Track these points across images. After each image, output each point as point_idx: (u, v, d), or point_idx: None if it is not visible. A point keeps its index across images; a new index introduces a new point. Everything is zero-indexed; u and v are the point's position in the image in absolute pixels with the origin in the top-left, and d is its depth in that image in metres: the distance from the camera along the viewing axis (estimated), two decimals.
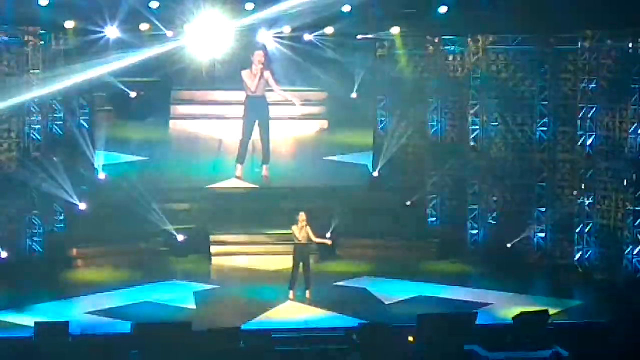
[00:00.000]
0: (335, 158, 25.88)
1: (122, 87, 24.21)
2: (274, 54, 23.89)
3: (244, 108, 24.09)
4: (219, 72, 24.86)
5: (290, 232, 19.96)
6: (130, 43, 22.57)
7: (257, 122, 23.99)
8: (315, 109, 27.40)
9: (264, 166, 24.16)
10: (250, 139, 24.10)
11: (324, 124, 27.44)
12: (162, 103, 27.12)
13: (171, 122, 27.18)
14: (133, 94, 24.51)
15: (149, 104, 26.38)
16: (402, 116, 24.11)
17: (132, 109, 25.73)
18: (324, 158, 25.78)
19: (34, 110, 21.82)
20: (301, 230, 19.74)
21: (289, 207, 21.01)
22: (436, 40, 23.41)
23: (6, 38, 21.44)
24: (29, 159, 21.77)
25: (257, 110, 23.98)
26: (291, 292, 19.84)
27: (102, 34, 21.98)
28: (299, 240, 19.77)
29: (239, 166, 24.15)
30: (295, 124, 27.00)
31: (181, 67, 25.29)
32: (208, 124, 26.81)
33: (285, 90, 24.45)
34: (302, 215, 19.79)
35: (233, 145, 24.69)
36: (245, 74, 23.67)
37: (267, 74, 23.69)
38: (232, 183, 24.09)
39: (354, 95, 25.72)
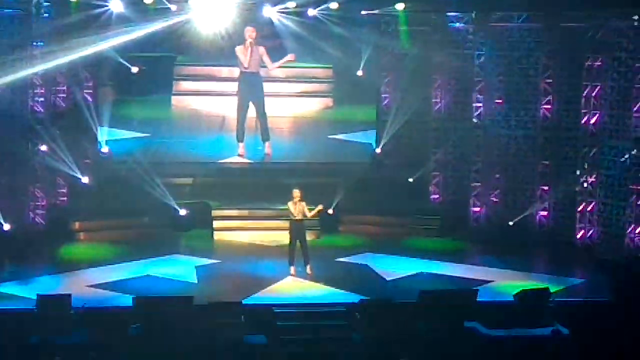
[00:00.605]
0: (340, 137, 25.62)
1: (124, 62, 24.00)
2: (279, 29, 23.76)
3: (238, 84, 23.76)
4: (223, 48, 24.42)
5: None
6: (133, 17, 22.52)
7: (251, 98, 23.69)
8: (320, 87, 27.06)
9: (266, 143, 23.90)
10: (246, 115, 23.77)
11: (329, 101, 27.09)
12: (165, 79, 26.77)
13: (174, 99, 26.73)
14: (135, 69, 24.12)
15: (151, 80, 25.96)
16: (405, 93, 24.06)
17: (134, 85, 25.12)
18: (329, 136, 25.60)
19: (37, 83, 21.81)
20: (296, 207, 19.73)
21: (292, 183, 20.96)
22: (441, 17, 23.29)
23: (10, 10, 21.35)
24: (32, 131, 21.75)
25: (250, 87, 23.62)
26: (292, 267, 19.87)
27: (106, 7, 21.93)
28: (295, 217, 19.77)
29: (240, 144, 23.90)
30: (300, 102, 26.70)
31: (185, 42, 25.16)
32: (211, 101, 26.26)
33: (281, 67, 24.20)
34: (296, 192, 19.78)
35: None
36: (238, 49, 23.29)
37: (261, 50, 23.34)
38: (234, 160, 24.03)
39: (360, 72, 25.41)
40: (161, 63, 26.18)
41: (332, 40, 24.26)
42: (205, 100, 26.47)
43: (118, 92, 24.83)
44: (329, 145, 25.14)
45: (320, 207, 20.00)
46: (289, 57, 23.21)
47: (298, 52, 24.49)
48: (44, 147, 21.88)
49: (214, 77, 26.66)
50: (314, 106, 26.81)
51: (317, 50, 24.37)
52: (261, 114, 23.79)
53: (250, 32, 23.08)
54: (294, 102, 26.51)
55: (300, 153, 24.64)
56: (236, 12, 22.64)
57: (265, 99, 24.05)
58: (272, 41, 23.88)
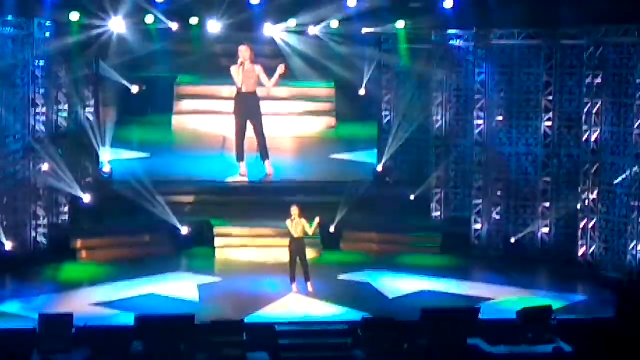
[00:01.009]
0: (342, 156, 25.57)
1: (124, 81, 24.00)
2: (280, 48, 23.79)
3: (234, 104, 23.32)
4: (223, 67, 23.89)
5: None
6: (134, 37, 22.59)
7: (248, 119, 23.22)
8: (322, 105, 26.98)
9: (266, 162, 23.58)
10: (244, 135, 23.33)
11: (331, 121, 26.97)
12: (165, 98, 26.74)
13: (174, 118, 26.72)
14: (134, 89, 24.04)
15: (151, 100, 26.03)
16: (406, 110, 24.11)
17: (134, 105, 25.19)
18: (331, 156, 25.56)
19: (38, 102, 21.84)
20: (294, 224, 19.71)
21: (293, 201, 20.94)
22: (441, 35, 23.36)
23: (12, 30, 21.42)
24: (33, 150, 21.78)
25: (246, 106, 23.10)
26: (293, 285, 19.84)
27: (105, 27, 21.99)
28: (293, 234, 19.74)
29: (240, 164, 23.61)
30: (302, 121, 26.68)
31: (184, 62, 25.23)
32: (212, 120, 26.25)
33: (282, 86, 24.08)
34: (294, 209, 19.75)
35: None
36: (232, 69, 22.76)
37: (257, 68, 22.77)
38: (236, 179, 23.97)
39: (362, 91, 25.31)
40: (161, 82, 26.21)
41: (334, 59, 24.35)
42: (206, 120, 26.44)
43: (118, 112, 24.81)
44: (331, 164, 25.13)
45: (317, 219, 19.87)
46: (280, 69, 22.66)
47: (300, 71, 24.50)
48: (45, 166, 21.89)
49: (214, 96, 26.65)
50: (316, 125, 26.82)
51: (319, 68, 24.37)
52: (259, 133, 23.43)
53: (243, 52, 22.59)
54: (296, 122, 26.52)
55: (302, 172, 24.63)
56: (236, 31, 22.68)
57: (266, 118, 23.89)
58: (274, 60, 23.82)
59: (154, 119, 26.28)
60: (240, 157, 23.57)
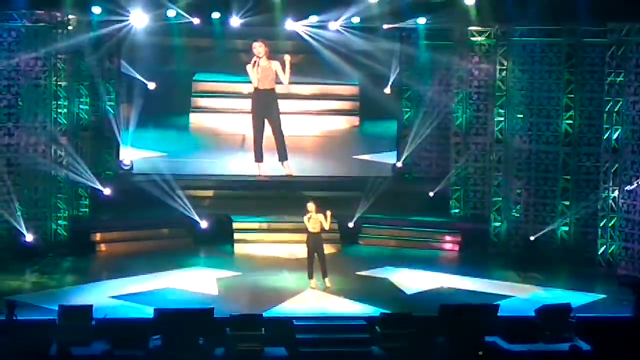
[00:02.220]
0: (365, 157, 25.08)
1: (141, 77, 23.83)
2: (305, 46, 23.53)
3: (251, 103, 22.89)
4: (243, 63, 23.14)
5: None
6: (155, 31, 22.60)
7: (265, 117, 22.75)
8: (346, 105, 26.39)
9: (284, 163, 23.08)
10: (262, 134, 22.86)
11: (355, 120, 26.46)
12: (183, 95, 26.21)
13: (192, 116, 25.79)
14: (152, 86, 23.55)
15: (168, 97, 25.34)
16: (427, 107, 24.09)
17: (151, 102, 24.08)
18: (353, 157, 25.19)
19: (60, 95, 21.96)
20: (311, 220, 19.72)
21: (313, 196, 20.95)
22: (463, 31, 23.31)
23: (35, 23, 21.52)
24: (55, 143, 21.90)
25: (263, 104, 22.60)
26: (312, 280, 19.87)
27: (127, 21, 22.05)
28: (310, 230, 19.76)
29: (259, 165, 23.15)
30: (325, 120, 26.11)
31: (203, 57, 24.96)
32: (231, 118, 25.31)
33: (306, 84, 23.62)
34: (310, 205, 19.75)
35: None
36: (248, 67, 22.29)
37: (275, 64, 22.24)
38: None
39: (387, 90, 24.71)
40: (179, 79, 25.76)
41: (358, 57, 23.96)
42: (225, 118, 25.79)
43: (135, 109, 24.13)
44: (354, 164, 24.81)
45: (329, 213, 19.74)
46: (287, 60, 22.15)
47: (323, 69, 24.06)
48: (66, 159, 22.00)
49: (234, 94, 26.20)
50: (339, 125, 26.15)
51: (343, 66, 24.00)
52: (277, 132, 22.94)
53: (258, 48, 22.14)
54: (318, 121, 25.94)
55: (322, 172, 24.36)
56: (257, 27, 22.59)
57: (287, 117, 23.55)
58: (296, 56, 23.68)
59: (171, 117, 25.87)
60: (258, 157, 23.10)
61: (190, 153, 24.57)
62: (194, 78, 26.09)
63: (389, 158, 24.89)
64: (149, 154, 24.43)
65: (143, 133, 24.12)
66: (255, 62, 22.11)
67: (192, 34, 23.34)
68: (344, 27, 22.99)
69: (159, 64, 23.68)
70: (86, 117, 22.98)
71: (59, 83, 21.89)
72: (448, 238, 23.34)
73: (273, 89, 22.70)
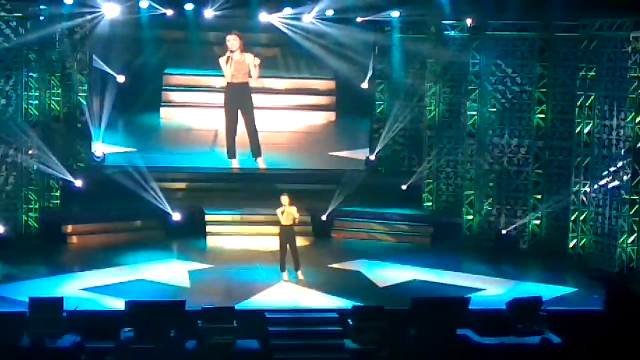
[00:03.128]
0: (342, 154, 24.97)
1: (110, 71, 23.42)
2: (279, 39, 23.32)
3: (224, 97, 22.12)
4: (217, 56, 22.18)
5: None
6: (126, 23, 22.45)
7: (238, 107, 21.99)
8: (322, 100, 26.06)
9: (258, 160, 22.47)
10: (235, 129, 22.14)
11: (331, 115, 26.04)
12: (153, 89, 25.52)
13: (162, 110, 25.64)
14: (121, 79, 23.19)
15: (139, 90, 24.80)
16: (400, 100, 24.12)
17: (120, 95, 23.78)
18: (330, 154, 25.04)
19: (32, 86, 21.80)
20: (284, 213, 19.72)
21: (286, 189, 20.94)
22: (436, 25, 23.33)
23: (6, 13, 21.36)
24: (26, 134, 21.74)
25: (236, 98, 21.84)
26: (284, 273, 19.86)
27: (99, 12, 21.90)
28: (283, 223, 19.75)
29: (232, 162, 22.55)
30: (301, 116, 25.85)
31: (175, 50, 24.65)
32: (203, 113, 25.16)
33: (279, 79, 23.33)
34: (284, 198, 19.76)
35: None
36: (221, 60, 21.52)
37: (248, 57, 21.46)
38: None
39: (365, 84, 24.59)
40: (149, 72, 25.32)
41: (335, 49, 23.78)
42: (197, 113, 25.48)
43: (106, 103, 23.78)
44: (328, 160, 24.68)
45: (297, 216, 19.77)
46: (257, 63, 21.45)
47: (299, 62, 23.76)
48: (37, 151, 21.85)
49: (206, 88, 25.69)
50: (315, 120, 25.96)
51: (319, 60, 23.72)
52: (251, 127, 22.24)
53: (232, 41, 21.37)
54: (294, 116, 25.70)
55: (297, 166, 24.27)
56: (231, 19, 22.48)
57: (262, 112, 23.17)
58: (270, 49, 23.52)
59: (141, 111, 25.44)
60: (231, 154, 22.51)
61: (161, 149, 24.30)
62: (164, 71, 25.80)
63: (365, 153, 24.84)
64: (119, 149, 24.24)
65: (113, 128, 23.89)
66: (228, 56, 21.48)
67: (164, 26, 23.21)
68: (318, 19, 22.92)
69: (130, 56, 23.46)
70: (57, 108, 22.84)
71: (30, 74, 21.71)
72: (420, 231, 23.36)
73: (247, 83, 22.05)
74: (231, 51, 21.46)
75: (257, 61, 21.43)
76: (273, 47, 24.30)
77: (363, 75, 24.42)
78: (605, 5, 20.70)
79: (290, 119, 25.46)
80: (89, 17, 21.96)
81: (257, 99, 22.67)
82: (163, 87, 25.78)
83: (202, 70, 25.02)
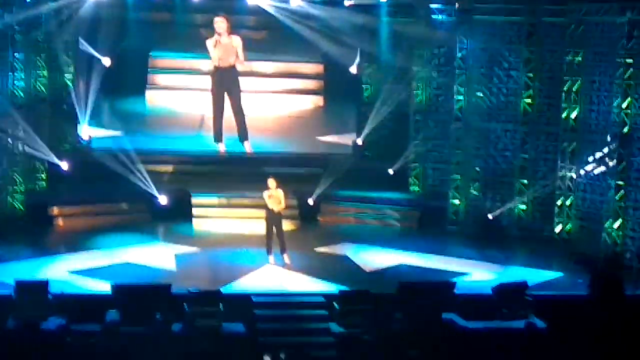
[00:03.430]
0: (329, 139, 24.73)
1: (96, 53, 23.07)
2: (267, 21, 23.08)
3: (211, 81, 21.69)
4: (203, 38, 21.52)
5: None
6: (111, 4, 22.29)
7: (225, 91, 21.51)
8: (310, 84, 25.73)
9: (245, 143, 22.06)
10: (222, 112, 21.65)
11: (319, 100, 25.75)
12: (139, 72, 25.03)
13: (148, 94, 25.10)
14: (106, 62, 22.63)
15: (124, 73, 24.27)
16: (387, 84, 24.07)
17: (106, 78, 23.20)
18: (317, 138, 24.82)
19: (17, 67, 21.67)
20: (271, 197, 19.69)
21: (273, 173, 20.91)
22: (424, 9, 23.29)
23: None
24: (11, 115, 21.64)
25: (223, 82, 21.41)
26: (270, 257, 19.87)
27: None
28: (269, 207, 19.73)
29: (219, 145, 22.10)
30: (288, 100, 25.48)
31: (161, 32, 24.28)
32: (190, 96, 24.72)
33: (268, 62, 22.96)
34: (271, 181, 19.74)
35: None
36: (208, 43, 21.01)
37: (236, 41, 20.98)
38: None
39: (353, 69, 24.22)
40: (135, 55, 24.97)
41: (323, 33, 23.60)
42: (183, 96, 25.13)
43: (91, 85, 23.28)
44: (315, 145, 24.55)
45: (282, 205, 19.79)
46: (239, 44, 20.94)
47: (287, 45, 23.40)
48: (23, 132, 21.75)
49: (192, 71, 25.37)
50: (303, 105, 25.65)
51: (307, 44, 23.49)
52: (238, 111, 21.79)
53: (219, 24, 20.91)
54: (281, 100, 25.36)
55: (283, 150, 24.16)
56: (218, 1, 22.30)
57: (249, 96, 22.65)
58: (258, 32, 23.33)
59: (127, 94, 25.20)
60: (218, 137, 22.13)
61: (146, 133, 24.11)
62: (150, 54, 25.46)
63: (353, 138, 24.75)
64: (104, 133, 24.10)
65: (98, 111, 23.69)
66: (216, 40, 21.02)
67: (150, 7, 23.05)
68: (306, 1, 22.75)
69: (116, 38, 23.23)
70: (43, 89, 22.72)
71: (15, 55, 21.58)
72: (407, 215, 23.38)
73: (234, 66, 21.57)
74: (219, 34, 21.27)
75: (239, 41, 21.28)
76: (261, 30, 24.09)
77: (352, 58, 24.27)
78: None
79: (278, 103, 25.23)
80: None
81: (244, 83, 22.52)
82: (149, 70, 25.48)
83: (189, 53, 24.76)
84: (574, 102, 21.83)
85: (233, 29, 21.51)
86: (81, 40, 22.97)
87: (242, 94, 22.09)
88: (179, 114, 25.00)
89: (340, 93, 25.19)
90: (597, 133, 21.55)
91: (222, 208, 22.97)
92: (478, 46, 22.86)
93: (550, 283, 19.51)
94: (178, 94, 25.13)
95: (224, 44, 21.15)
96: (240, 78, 21.81)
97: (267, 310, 17.48)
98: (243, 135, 22.09)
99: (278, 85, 25.40)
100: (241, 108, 22.02)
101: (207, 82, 22.65)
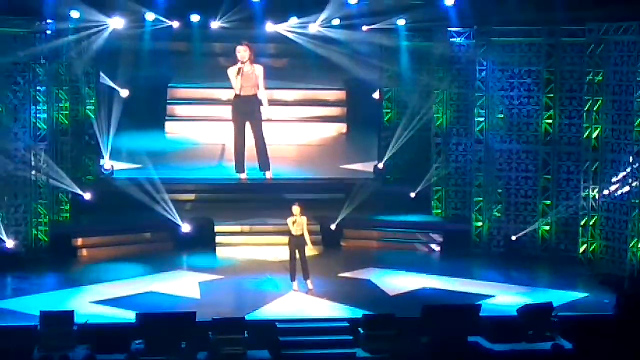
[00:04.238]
0: (353, 167, 24.61)
1: (113, 84, 23.21)
2: (288, 49, 23.02)
3: (231, 109, 21.88)
4: (222, 68, 22.32)
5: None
6: (130, 35, 22.46)
7: (246, 119, 21.70)
8: (333, 111, 25.47)
9: (266, 174, 22.45)
10: (244, 142, 21.96)
11: (342, 127, 25.46)
12: (158, 103, 25.19)
13: (167, 125, 25.13)
14: (124, 93, 22.79)
15: (143, 104, 24.58)
16: (407, 108, 24.10)
17: (124, 109, 23.49)
18: (341, 167, 24.61)
19: (39, 100, 21.85)
20: (295, 223, 19.67)
21: (294, 199, 20.91)
22: (442, 32, 23.34)
23: (14, 28, 21.42)
24: (34, 148, 21.79)
25: (245, 111, 21.58)
26: (294, 283, 19.84)
27: (105, 25, 21.95)
28: (293, 232, 19.70)
29: (241, 176, 22.50)
30: (310, 127, 25.29)
31: (180, 62, 24.25)
32: (210, 126, 24.74)
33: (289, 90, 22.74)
34: (296, 208, 19.68)
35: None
36: (230, 71, 21.22)
37: (258, 69, 21.25)
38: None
39: (376, 95, 24.24)
40: (154, 85, 24.91)
41: (344, 56, 23.51)
42: (203, 127, 25.01)
43: (112, 116, 23.51)
44: (338, 172, 24.39)
45: (310, 242, 19.71)
46: (259, 72, 21.14)
47: (308, 73, 23.15)
48: (46, 164, 21.89)
49: (212, 100, 25.20)
50: (325, 133, 25.46)
51: (328, 70, 23.30)
52: (259, 141, 22.03)
53: (242, 52, 21.11)
54: (304, 129, 25.20)
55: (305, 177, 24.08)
56: (237, 29, 22.41)
57: (270, 124, 22.88)
58: (278, 60, 23.32)
59: (146, 126, 25.10)
60: (240, 168, 22.32)
61: (167, 165, 24.09)
62: (169, 84, 25.43)
63: (375, 163, 24.71)
64: (124, 166, 24.14)
65: (119, 144, 23.78)
66: (239, 68, 21.12)
67: (168, 37, 23.17)
68: (325, 27, 22.87)
69: (134, 69, 23.32)
70: (66, 121, 22.87)
71: (37, 88, 21.76)
72: (430, 239, 23.32)
73: (255, 95, 21.89)
74: (242, 62, 21.22)
75: (261, 70, 21.26)
76: (282, 57, 24.09)
77: (375, 83, 24.19)
78: (611, 10, 20.68)
79: (300, 132, 25.06)
80: (95, 30, 22.01)
81: (265, 111, 22.46)
82: (168, 101, 25.46)
83: (207, 83, 24.64)
84: (595, 121, 21.77)
85: (255, 57, 21.55)
86: (100, 73, 23.12)
87: (263, 123, 22.09)
88: (199, 144, 24.94)
89: (363, 119, 25.07)
90: (618, 152, 21.47)
91: (245, 235, 22.98)
92: (497, 67, 22.87)
93: (576, 304, 19.39)
94: (198, 125, 25.02)
95: (247, 73, 21.18)
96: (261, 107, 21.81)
97: (292, 336, 17.43)
98: (264, 166, 22.15)
99: (300, 113, 25.31)
100: (263, 137, 22.07)
101: (226, 111, 22.79)
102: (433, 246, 23.18)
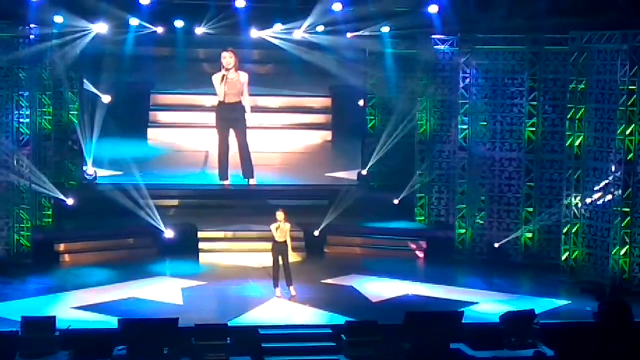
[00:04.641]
0: (339, 174, 24.60)
1: (95, 90, 23.10)
2: (272, 55, 22.98)
3: (215, 116, 21.80)
4: (205, 74, 22.41)
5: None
6: (113, 40, 22.41)
7: (230, 125, 21.67)
8: (318, 118, 25.44)
9: (250, 181, 22.43)
10: (227, 149, 21.93)
11: (327, 135, 25.40)
12: (140, 109, 25.07)
13: (150, 131, 25.04)
14: (106, 99, 22.72)
15: (125, 110, 24.46)
16: (391, 115, 24.13)
17: (108, 115, 23.40)
18: (326, 174, 24.58)
19: (23, 105, 21.77)
20: (278, 229, 19.64)
21: (278, 205, 20.91)
22: (426, 40, 23.39)
23: None
24: (17, 152, 21.71)
25: (229, 118, 21.56)
26: (277, 289, 19.83)
27: (89, 30, 21.90)
28: (276, 239, 19.69)
29: (224, 183, 22.48)
30: (295, 135, 25.27)
31: (164, 67, 24.13)
32: (193, 133, 24.64)
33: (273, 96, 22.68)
34: (280, 214, 19.67)
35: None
36: (214, 78, 21.15)
37: (243, 77, 21.22)
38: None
39: (361, 102, 24.22)
40: (136, 91, 24.76)
41: (328, 61, 23.47)
42: (186, 133, 24.88)
43: (95, 121, 23.44)
44: (323, 181, 24.35)
45: (290, 243, 19.64)
46: (244, 79, 21.04)
47: (293, 79, 23.11)
48: (28, 169, 21.81)
49: (195, 107, 25.09)
50: (310, 140, 25.43)
51: (313, 76, 23.22)
52: (243, 148, 22.01)
53: (228, 58, 21.08)
54: (288, 136, 25.16)
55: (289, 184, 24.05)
56: (222, 35, 22.41)
57: (255, 132, 22.82)
58: (262, 66, 23.32)
59: (128, 132, 25.00)
60: (223, 175, 22.28)
61: (149, 173, 23.97)
62: (152, 90, 25.29)
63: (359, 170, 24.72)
64: (107, 173, 24.07)
65: (101, 150, 23.66)
66: (224, 75, 21.03)
67: (152, 43, 23.12)
68: (309, 33, 22.90)
69: (117, 74, 23.23)
70: (49, 126, 22.80)
71: (20, 92, 21.69)
72: (413, 245, 23.35)
73: (239, 102, 21.87)
74: (226, 69, 21.12)
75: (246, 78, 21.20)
76: (266, 63, 24.04)
77: (360, 89, 24.21)
78: (594, 19, 20.79)
79: (285, 139, 24.96)
80: (78, 35, 21.96)
81: (250, 118, 22.35)
82: (151, 107, 25.31)
83: (191, 89, 24.52)
84: (577, 129, 21.85)
85: (240, 63, 21.46)
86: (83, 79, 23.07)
87: (247, 130, 22.02)
88: (182, 151, 24.83)
89: (349, 127, 25.05)
90: (601, 160, 21.56)
91: (228, 241, 22.95)
92: (481, 75, 22.95)
93: (558, 311, 19.45)
94: (181, 131, 24.90)
95: (231, 80, 21.10)
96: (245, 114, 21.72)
97: (275, 343, 17.42)
98: (248, 173, 22.10)
99: (285, 119, 25.20)
100: (247, 144, 22.03)
101: (210, 118, 22.68)
102: (416, 253, 23.22)
